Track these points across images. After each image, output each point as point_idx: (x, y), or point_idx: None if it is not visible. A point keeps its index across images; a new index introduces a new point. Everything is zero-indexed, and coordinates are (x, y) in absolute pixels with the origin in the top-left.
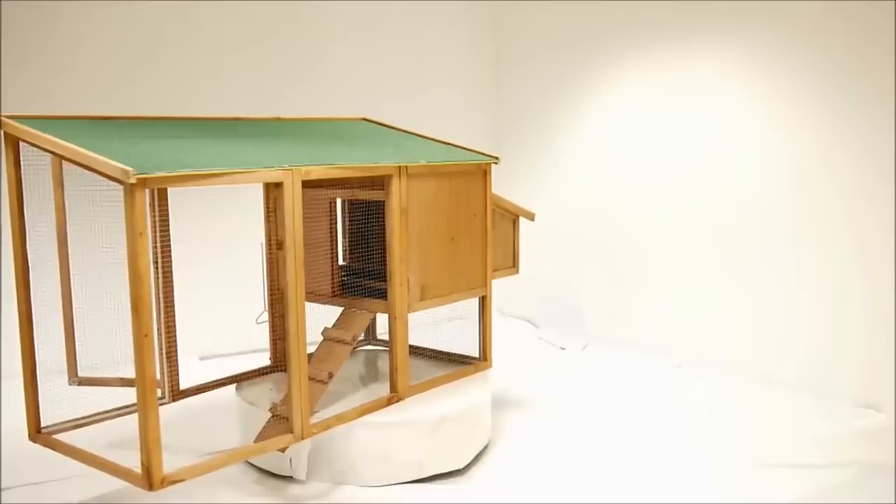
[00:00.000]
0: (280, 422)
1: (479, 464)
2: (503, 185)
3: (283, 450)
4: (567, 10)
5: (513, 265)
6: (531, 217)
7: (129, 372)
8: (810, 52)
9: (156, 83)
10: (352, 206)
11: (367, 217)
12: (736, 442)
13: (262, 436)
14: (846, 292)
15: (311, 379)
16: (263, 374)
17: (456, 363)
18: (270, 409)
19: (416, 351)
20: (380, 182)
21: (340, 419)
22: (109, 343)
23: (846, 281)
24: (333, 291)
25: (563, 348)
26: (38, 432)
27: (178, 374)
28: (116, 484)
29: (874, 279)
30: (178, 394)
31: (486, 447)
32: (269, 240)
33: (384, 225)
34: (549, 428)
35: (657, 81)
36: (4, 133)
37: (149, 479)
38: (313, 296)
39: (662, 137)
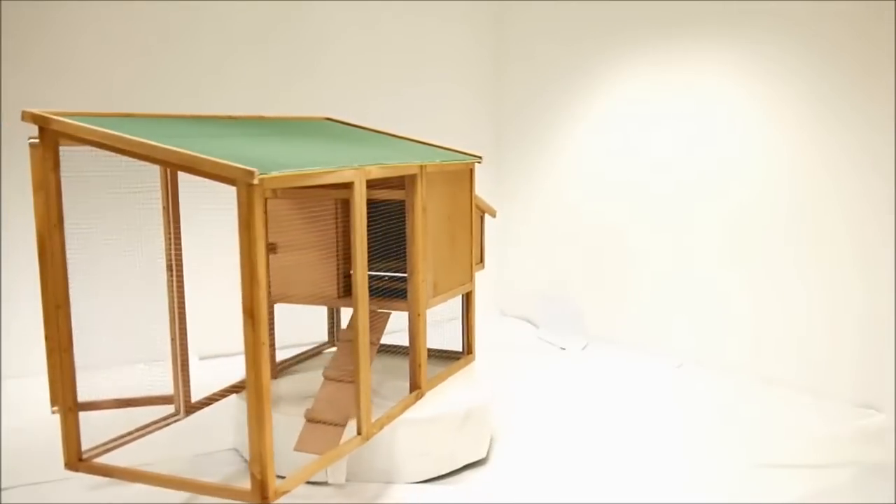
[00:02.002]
0: (318, 426)
1: (480, 464)
2: (504, 186)
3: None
4: (568, 9)
5: (481, 261)
6: (493, 214)
7: (122, 387)
8: (810, 54)
9: (154, 83)
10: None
11: (376, 217)
12: (736, 442)
13: (305, 442)
14: (846, 292)
15: (346, 381)
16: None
17: (441, 359)
18: (306, 415)
19: (399, 350)
20: (386, 182)
21: (389, 417)
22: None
23: (846, 281)
24: (339, 293)
25: (563, 348)
26: (79, 460)
27: (190, 387)
28: (118, 486)
29: (874, 279)
30: (189, 407)
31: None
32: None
33: (391, 224)
34: (548, 428)
35: (658, 81)
36: (43, 132)
37: (263, 492)
38: (320, 298)
39: (663, 137)
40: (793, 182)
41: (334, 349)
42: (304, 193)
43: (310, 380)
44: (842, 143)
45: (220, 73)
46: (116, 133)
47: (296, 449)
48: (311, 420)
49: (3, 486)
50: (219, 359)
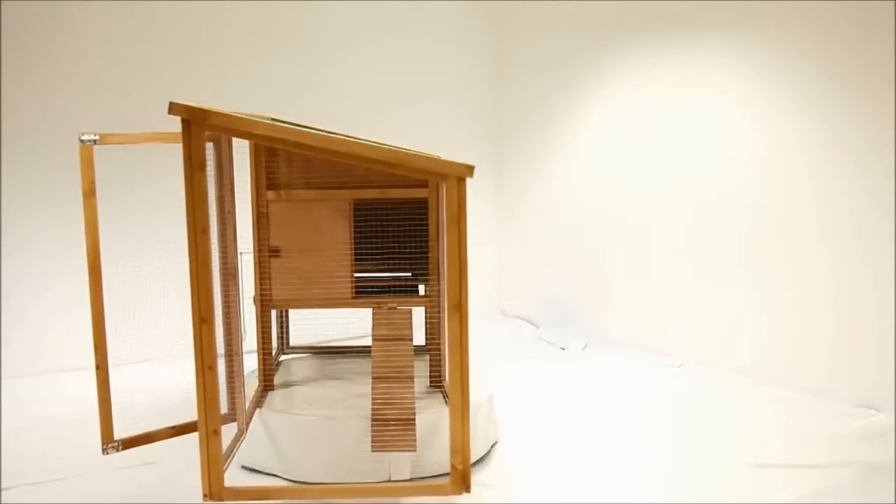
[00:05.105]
0: (388, 425)
1: (480, 464)
2: (504, 186)
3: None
4: (567, 18)
5: None
6: None
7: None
8: (809, 56)
9: (156, 83)
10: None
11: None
12: (736, 442)
13: (382, 442)
14: (846, 292)
15: (396, 378)
16: (266, 391)
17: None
18: (372, 417)
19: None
20: (406, 181)
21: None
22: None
23: (846, 281)
24: (353, 294)
25: (563, 348)
26: (224, 488)
27: (245, 403)
28: (127, 483)
29: (875, 279)
30: (246, 424)
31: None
32: (259, 246)
33: (393, 223)
34: (548, 428)
35: (656, 86)
36: (189, 126)
37: (465, 482)
38: (332, 301)
39: (662, 141)
40: (793, 183)
41: (290, 357)
42: (322, 195)
43: (300, 387)
44: (841, 143)
45: (221, 82)
46: (309, 131)
47: (374, 450)
48: (378, 420)
49: (3, 486)
50: (220, 359)
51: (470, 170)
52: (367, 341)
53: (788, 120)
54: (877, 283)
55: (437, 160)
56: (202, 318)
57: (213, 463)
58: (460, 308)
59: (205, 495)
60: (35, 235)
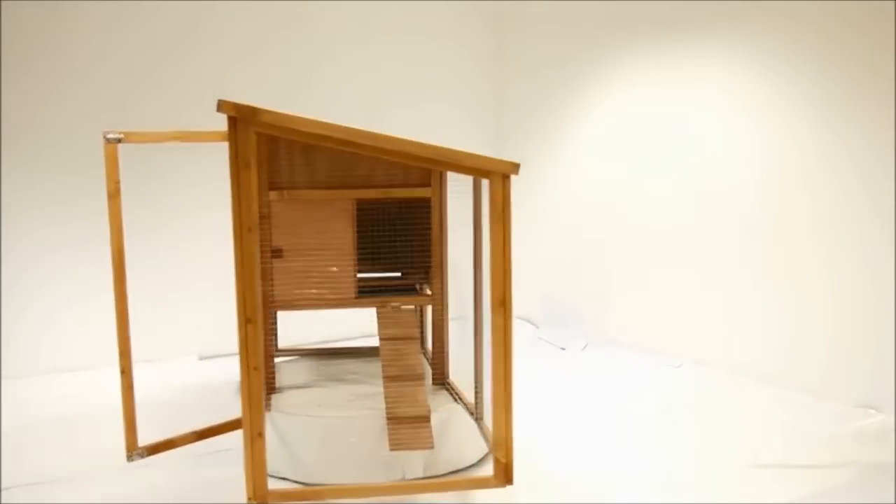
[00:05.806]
0: (404, 424)
1: (481, 463)
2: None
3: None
4: (567, 18)
5: None
6: None
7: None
8: (808, 57)
9: (155, 82)
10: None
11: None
12: (736, 442)
13: (399, 441)
14: (846, 292)
15: (408, 378)
16: (270, 394)
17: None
18: (387, 416)
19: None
20: (405, 181)
21: (469, 405)
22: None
23: (846, 281)
24: (356, 294)
25: (563, 348)
26: (269, 491)
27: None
28: (127, 483)
29: (874, 279)
30: None
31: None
32: (261, 247)
33: (388, 224)
34: (548, 428)
35: (659, 85)
36: (237, 123)
37: (508, 475)
38: (336, 301)
39: (663, 140)
40: (794, 183)
41: (279, 360)
42: (324, 195)
43: (299, 389)
44: (840, 144)
45: (220, 82)
46: (358, 129)
47: (392, 449)
48: (393, 419)
49: (3, 486)
50: (219, 359)
51: (515, 167)
52: (360, 342)
53: (788, 120)
54: (876, 283)
55: (483, 157)
56: (248, 319)
57: (257, 465)
58: (504, 304)
59: (249, 498)
60: (34, 234)
